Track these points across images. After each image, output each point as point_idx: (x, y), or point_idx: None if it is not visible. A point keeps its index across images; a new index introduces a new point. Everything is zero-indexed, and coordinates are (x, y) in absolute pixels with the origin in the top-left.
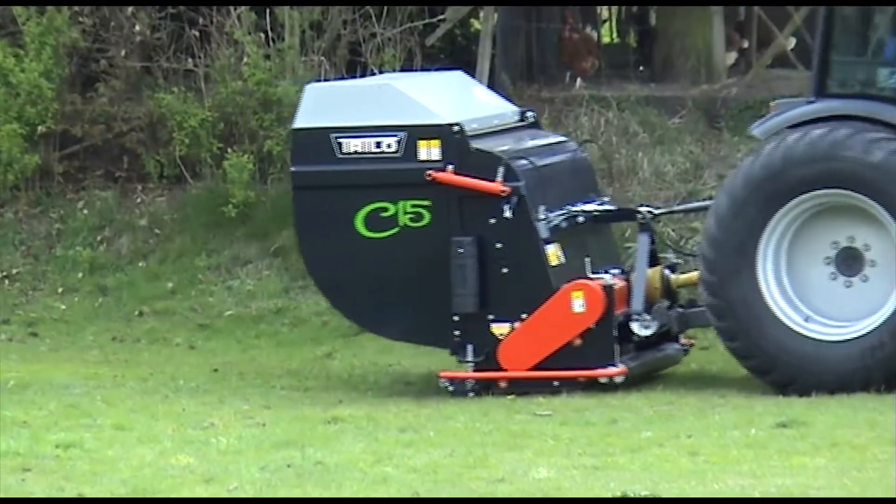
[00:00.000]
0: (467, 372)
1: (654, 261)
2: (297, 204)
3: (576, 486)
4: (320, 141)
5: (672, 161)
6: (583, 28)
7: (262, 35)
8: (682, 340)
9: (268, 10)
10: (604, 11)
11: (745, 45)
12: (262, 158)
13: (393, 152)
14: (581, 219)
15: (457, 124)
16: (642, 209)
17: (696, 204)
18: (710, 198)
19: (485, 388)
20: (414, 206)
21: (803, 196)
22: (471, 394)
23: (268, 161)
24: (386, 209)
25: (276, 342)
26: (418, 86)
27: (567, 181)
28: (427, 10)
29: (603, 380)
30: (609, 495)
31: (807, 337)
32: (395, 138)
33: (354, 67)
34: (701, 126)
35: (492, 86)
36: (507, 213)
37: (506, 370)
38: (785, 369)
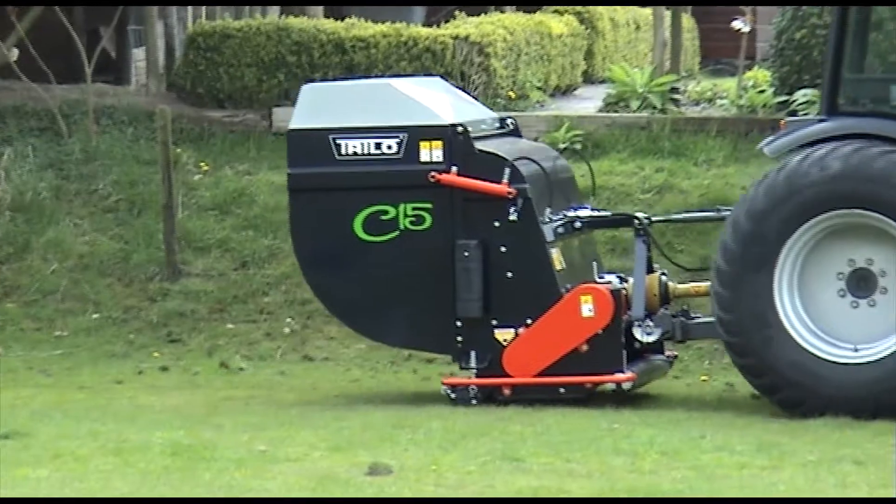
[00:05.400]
0: (470, 378)
1: (649, 268)
2: (294, 207)
3: None
4: (318, 142)
5: None
6: None
7: None
8: (667, 352)
9: None
10: None
11: None
12: None
13: (393, 154)
14: (578, 224)
15: (460, 125)
16: (639, 215)
17: (695, 214)
18: (718, 209)
19: (488, 396)
20: (415, 208)
21: (821, 216)
22: (474, 401)
23: None
24: (386, 212)
25: None
26: (416, 87)
27: (559, 186)
28: None
29: (611, 386)
30: None
31: (820, 358)
32: (396, 139)
33: None
34: None
35: None
36: (513, 216)
37: (511, 376)
38: (794, 390)
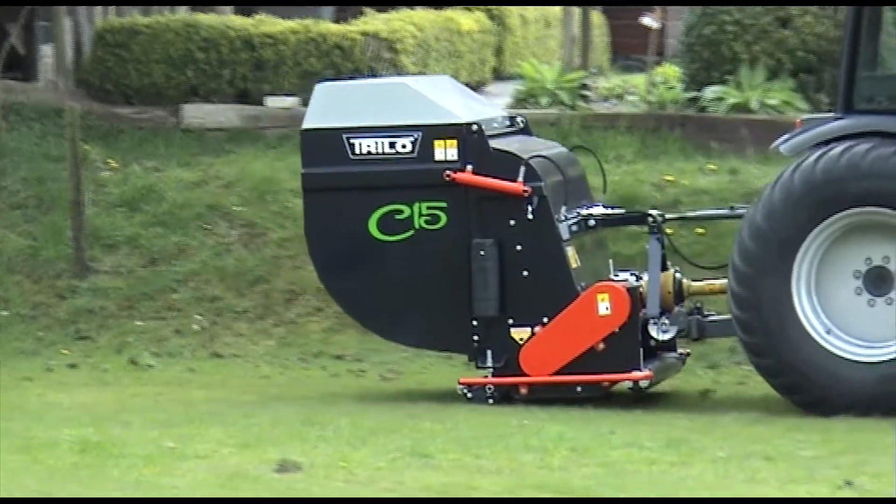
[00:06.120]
0: (486, 378)
1: (663, 266)
2: (308, 207)
3: None
4: (332, 142)
5: None
6: None
7: None
8: (679, 350)
9: None
10: None
11: None
12: None
13: (408, 153)
14: (592, 222)
15: (475, 123)
16: (654, 213)
17: (708, 211)
18: (732, 207)
19: (504, 395)
20: (430, 207)
21: (843, 213)
22: (490, 401)
23: None
24: (401, 211)
25: None
26: (429, 85)
27: (573, 184)
28: None
29: (628, 384)
30: None
31: (838, 356)
32: (410, 138)
33: None
34: None
35: None
36: (529, 214)
37: (527, 375)
38: (813, 389)
